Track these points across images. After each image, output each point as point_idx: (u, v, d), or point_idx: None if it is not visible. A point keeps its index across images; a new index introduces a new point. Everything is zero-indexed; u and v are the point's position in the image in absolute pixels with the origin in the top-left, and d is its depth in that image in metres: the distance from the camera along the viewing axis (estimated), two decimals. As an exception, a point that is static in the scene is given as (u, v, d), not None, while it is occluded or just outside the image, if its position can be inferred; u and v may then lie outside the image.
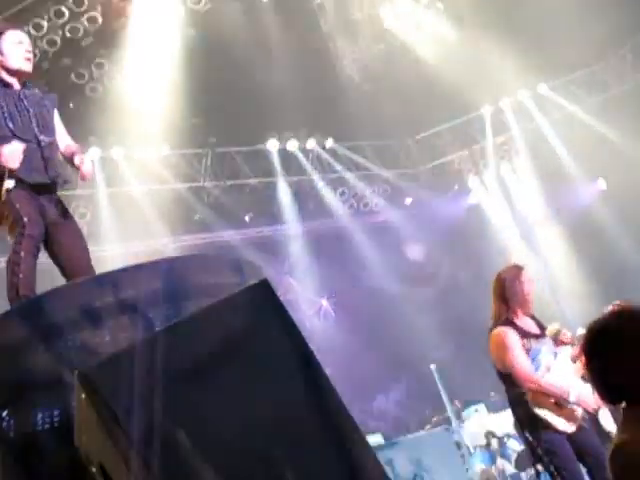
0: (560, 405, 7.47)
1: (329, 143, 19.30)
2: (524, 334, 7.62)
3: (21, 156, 5.87)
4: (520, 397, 7.49)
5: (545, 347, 7.70)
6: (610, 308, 3.65)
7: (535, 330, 7.78)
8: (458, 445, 14.54)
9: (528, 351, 7.56)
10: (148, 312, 5.03)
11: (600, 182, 20.90)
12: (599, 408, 9.17)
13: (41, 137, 6.16)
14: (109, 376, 3.76)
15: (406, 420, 18.90)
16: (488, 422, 16.21)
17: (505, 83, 19.23)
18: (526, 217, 21.13)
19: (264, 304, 4.11)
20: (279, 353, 4.02)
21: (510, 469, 14.22)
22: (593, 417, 9.41)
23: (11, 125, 6.02)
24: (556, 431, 7.38)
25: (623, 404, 3.72)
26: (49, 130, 6.31)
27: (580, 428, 7.53)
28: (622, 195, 19.19)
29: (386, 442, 14.51)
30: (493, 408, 16.70)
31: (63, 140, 6.49)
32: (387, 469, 12.62)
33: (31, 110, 6.14)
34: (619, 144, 19.00)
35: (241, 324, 4.06)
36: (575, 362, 8.02)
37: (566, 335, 9.81)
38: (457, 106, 19.60)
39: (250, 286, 4.26)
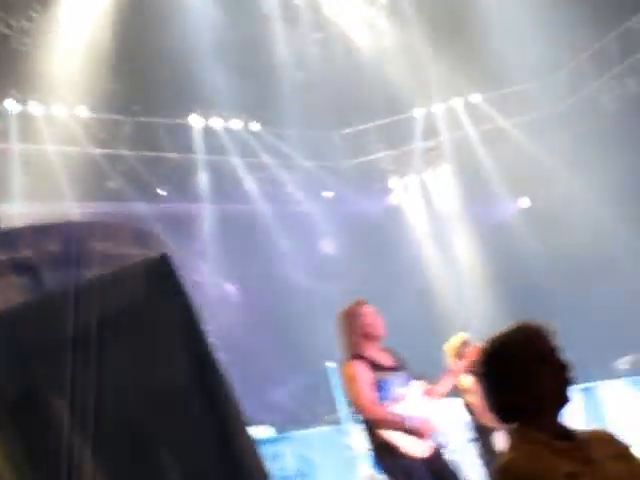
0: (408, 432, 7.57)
1: (255, 126, 19.08)
2: (374, 366, 7.71)
3: None
4: (371, 426, 7.59)
5: (397, 379, 7.78)
6: (513, 324, 3.54)
7: (388, 362, 7.85)
8: (348, 447, 14.47)
9: (378, 383, 7.64)
10: (42, 274, 4.85)
11: (522, 200, 21.05)
12: (493, 429, 9.23)
13: None
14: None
15: (300, 415, 18.82)
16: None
17: (440, 88, 19.26)
18: (444, 224, 21.19)
19: (161, 279, 4.00)
20: (170, 329, 3.92)
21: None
22: (486, 437, 9.41)
23: None
24: (410, 458, 7.45)
25: (515, 424, 3.57)
26: None
27: (435, 453, 7.66)
28: (541, 214, 19.40)
29: (277, 435, 14.43)
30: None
31: None
32: (274, 462, 12.55)
33: None
34: (544, 164, 19.14)
35: (135, 296, 3.94)
36: (429, 395, 8.02)
37: (469, 349, 9.76)
38: (389, 105, 19.55)
39: (149, 259, 4.14)
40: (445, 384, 8.23)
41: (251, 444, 3.96)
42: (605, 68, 19.18)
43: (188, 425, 3.78)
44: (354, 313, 7.91)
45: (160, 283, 3.97)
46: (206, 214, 18.82)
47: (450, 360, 9.94)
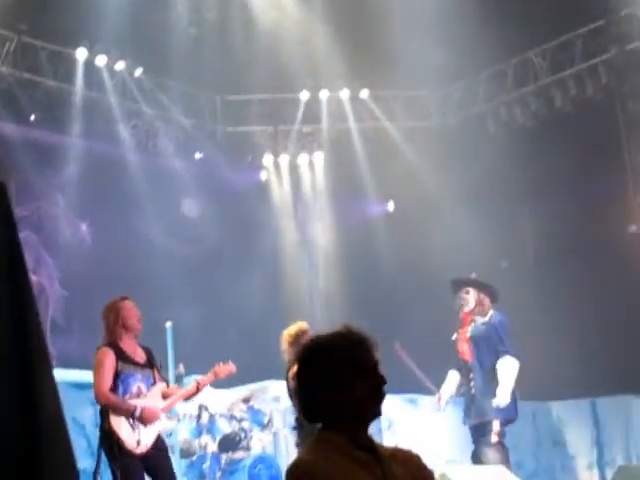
0: (133, 426, 8.30)
1: (138, 72, 18.58)
2: (123, 357, 8.53)
3: None
4: (105, 412, 8.23)
5: (141, 375, 8.64)
6: (340, 328, 3.53)
7: (139, 358, 8.73)
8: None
9: (120, 373, 8.44)
10: None
11: (389, 203, 21.10)
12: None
13: None
14: None
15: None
16: (205, 395, 16.09)
17: (331, 76, 19.19)
18: (308, 211, 21.13)
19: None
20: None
21: (213, 448, 14.08)
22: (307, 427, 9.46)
23: None
24: (129, 452, 8.20)
25: (319, 426, 3.56)
26: None
27: (154, 449, 8.46)
28: (403, 221, 19.52)
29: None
30: (214, 384, 16.55)
31: None
32: (85, 408, 12.42)
33: None
34: (418, 174, 19.23)
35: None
36: (166, 397, 8.89)
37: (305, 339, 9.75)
38: (276, 82, 19.34)
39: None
40: (187, 393, 9.27)
41: (52, 384, 3.79)
42: (497, 93, 19.43)
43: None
44: (115, 306, 8.77)
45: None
46: (74, 150, 18.27)
47: (285, 347, 9.99)
